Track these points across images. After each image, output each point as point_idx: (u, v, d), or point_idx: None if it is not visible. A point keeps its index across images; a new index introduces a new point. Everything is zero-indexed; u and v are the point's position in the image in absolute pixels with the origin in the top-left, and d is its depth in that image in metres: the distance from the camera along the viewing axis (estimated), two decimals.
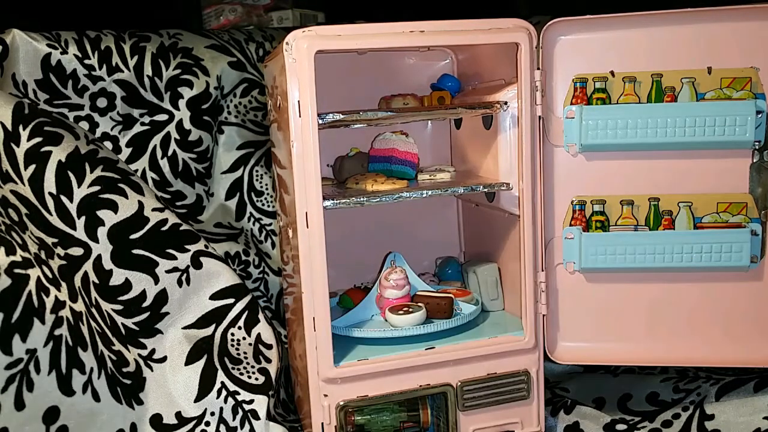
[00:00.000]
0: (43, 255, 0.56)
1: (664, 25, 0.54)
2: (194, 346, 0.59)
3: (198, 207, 0.74)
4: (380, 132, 0.63)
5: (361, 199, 0.51)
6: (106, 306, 0.57)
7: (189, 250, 0.59)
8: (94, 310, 0.57)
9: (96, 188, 0.56)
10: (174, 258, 0.58)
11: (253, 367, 0.61)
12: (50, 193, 0.55)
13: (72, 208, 0.55)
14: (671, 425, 0.59)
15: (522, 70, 0.51)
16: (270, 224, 0.77)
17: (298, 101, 0.47)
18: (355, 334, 0.55)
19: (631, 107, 0.54)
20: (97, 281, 0.56)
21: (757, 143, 0.54)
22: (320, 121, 0.48)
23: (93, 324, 0.57)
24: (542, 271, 0.56)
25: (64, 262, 0.56)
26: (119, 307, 0.57)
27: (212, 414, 0.58)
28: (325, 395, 0.51)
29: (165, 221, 0.59)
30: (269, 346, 0.62)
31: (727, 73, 0.54)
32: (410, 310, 0.55)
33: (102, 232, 0.56)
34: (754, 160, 0.55)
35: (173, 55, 0.72)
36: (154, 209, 0.58)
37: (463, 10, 0.71)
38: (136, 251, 0.57)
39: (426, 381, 0.53)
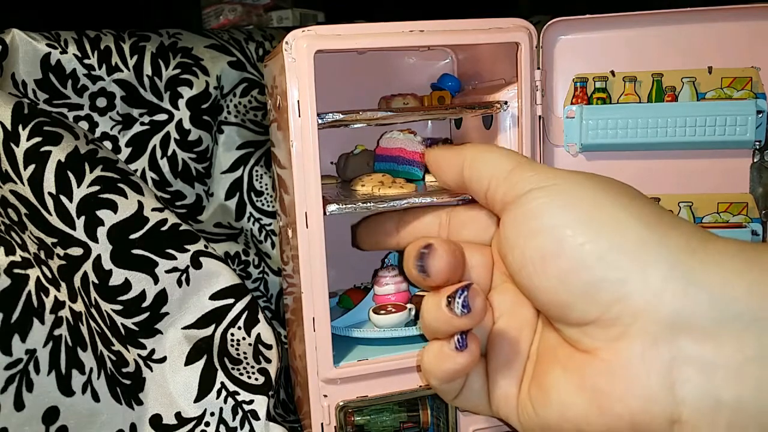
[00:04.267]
0: (42, 255, 0.56)
1: (664, 24, 0.54)
2: (194, 347, 0.59)
3: (197, 207, 0.74)
4: (387, 130, 0.62)
5: (369, 204, 0.50)
6: (105, 306, 0.57)
7: (189, 250, 0.59)
8: (93, 311, 0.57)
9: (96, 188, 0.56)
10: (174, 258, 0.58)
11: (252, 367, 0.61)
12: (50, 193, 0.54)
13: (71, 207, 0.55)
14: None
15: (522, 69, 0.51)
16: (270, 224, 0.77)
17: (298, 101, 0.47)
18: (354, 334, 0.54)
19: (632, 107, 0.54)
20: (96, 281, 0.56)
21: (757, 143, 0.54)
22: (320, 121, 0.48)
23: (93, 324, 0.57)
24: None
25: (63, 262, 0.56)
26: (119, 307, 0.57)
27: (212, 414, 0.58)
28: (325, 395, 0.51)
29: (165, 221, 0.59)
30: (269, 347, 0.62)
31: (728, 73, 0.53)
32: (392, 310, 0.54)
33: (102, 232, 0.56)
34: (755, 160, 0.55)
35: (173, 54, 0.72)
36: (153, 209, 0.58)
37: (463, 9, 0.71)
38: (135, 251, 0.57)
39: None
